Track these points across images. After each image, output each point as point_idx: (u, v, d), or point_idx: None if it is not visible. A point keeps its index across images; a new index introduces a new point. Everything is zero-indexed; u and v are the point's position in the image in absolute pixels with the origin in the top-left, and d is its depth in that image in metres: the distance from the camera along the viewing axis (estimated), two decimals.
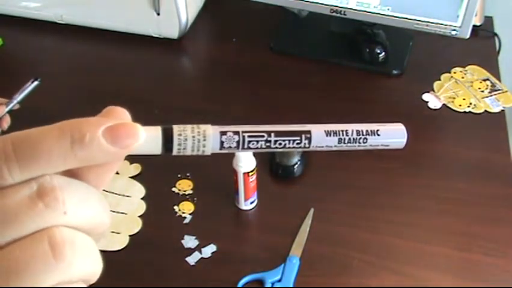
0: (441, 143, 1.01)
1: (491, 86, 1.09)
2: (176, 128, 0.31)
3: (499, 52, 1.20)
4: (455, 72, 1.12)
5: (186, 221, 0.88)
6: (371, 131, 0.31)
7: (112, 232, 0.86)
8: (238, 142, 0.31)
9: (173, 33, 1.18)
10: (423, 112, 1.05)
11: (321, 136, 0.30)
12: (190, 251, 0.84)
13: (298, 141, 0.30)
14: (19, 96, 0.75)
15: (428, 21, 1.05)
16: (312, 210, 0.89)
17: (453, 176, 0.94)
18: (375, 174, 0.95)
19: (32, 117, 1.05)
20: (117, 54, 1.20)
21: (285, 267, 0.81)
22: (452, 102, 1.06)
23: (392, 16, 1.07)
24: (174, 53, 1.20)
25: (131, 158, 0.96)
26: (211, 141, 0.32)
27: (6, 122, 0.75)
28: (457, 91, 1.09)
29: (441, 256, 0.83)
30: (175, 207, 0.89)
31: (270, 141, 0.30)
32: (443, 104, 1.06)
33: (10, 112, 1.06)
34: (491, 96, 1.07)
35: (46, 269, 0.26)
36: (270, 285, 0.80)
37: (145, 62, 1.18)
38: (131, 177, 0.93)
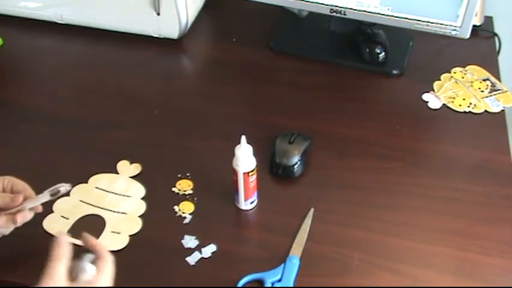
0: (441, 143, 1.01)
1: (491, 86, 1.09)
2: None
3: (499, 52, 1.20)
4: (455, 72, 1.12)
5: (186, 221, 0.88)
6: None
7: (112, 232, 0.86)
8: None
9: (173, 33, 1.18)
10: (423, 112, 1.05)
11: None
12: (190, 251, 0.84)
13: None
14: (44, 199, 0.76)
15: (428, 21, 1.05)
16: (312, 210, 0.89)
17: (453, 176, 0.94)
18: (375, 174, 0.95)
19: (32, 116, 1.06)
20: (117, 54, 1.20)
21: (285, 267, 0.81)
22: (452, 102, 1.06)
23: (392, 16, 1.07)
24: (174, 53, 1.20)
25: (131, 158, 0.96)
26: None
27: (22, 218, 0.76)
28: (457, 91, 1.09)
29: (442, 256, 0.83)
30: (175, 207, 0.89)
31: None
32: (443, 104, 1.06)
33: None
34: (491, 96, 1.07)
35: None
36: (270, 285, 0.80)
37: (145, 62, 1.18)
38: (131, 177, 0.93)
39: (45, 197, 0.76)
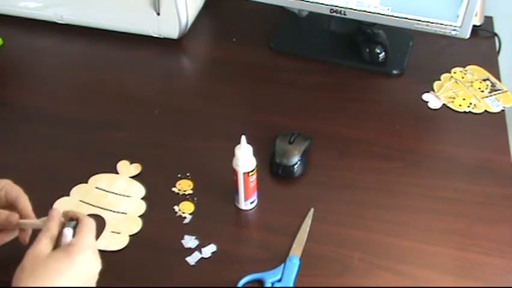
0: (441, 143, 1.01)
1: (491, 86, 1.09)
2: None
3: (499, 52, 1.20)
4: (455, 72, 1.12)
5: (186, 221, 0.88)
6: None
7: (112, 232, 0.86)
8: None
9: (173, 33, 1.18)
10: (423, 112, 1.05)
11: None
12: (190, 251, 0.84)
13: None
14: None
15: (428, 21, 1.05)
16: (312, 210, 0.89)
17: (453, 176, 0.94)
18: (375, 174, 0.95)
19: (32, 116, 1.06)
20: (117, 54, 1.20)
21: (285, 267, 0.81)
22: (452, 102, 1.06)
23: (392, 16, 1.07)
24: (174, 53, 1.20)
25: (131, 158, 0.96)
26: None
27: (28, 236, 0.78)
28: (457, 91, 1.09)
29: (442, 256, 0.83)
30: (175, 207, 0.89)
31: None
32: (443, 104, 1.06)
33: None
34: (491, 96, 1.07)
35: None
36: (270, 285, 0.80)
37: (145, 62, 1.18)
38: (131, 177, 0.93)
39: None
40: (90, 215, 0.87)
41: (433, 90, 1.09)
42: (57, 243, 0.69)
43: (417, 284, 0.80)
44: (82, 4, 1.19)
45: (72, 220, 0.71)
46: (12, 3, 1.23)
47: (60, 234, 0.70)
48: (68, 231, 0.69)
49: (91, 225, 0.71)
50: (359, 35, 1.15)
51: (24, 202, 0.76)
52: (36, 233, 0.76)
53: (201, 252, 0.84)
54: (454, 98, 1.07)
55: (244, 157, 0.83)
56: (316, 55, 1.17)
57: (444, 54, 1.17)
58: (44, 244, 0.67)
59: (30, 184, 0.79)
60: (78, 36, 1.22)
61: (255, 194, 0.89)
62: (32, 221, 0.76)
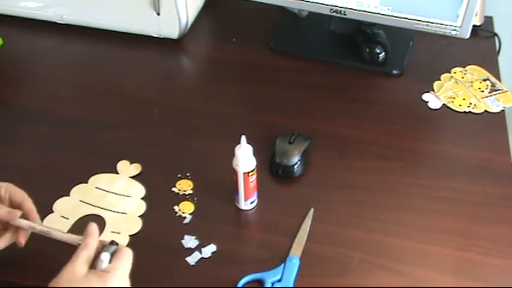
0: (441, 143, 1.01)
1: (491, 86, 1.09)
2: None
3: (499, 52, 1.20)
4: (455, 72, 1.12)
5: (186, 221, 0.88)
6: None
7: (112, 232, 0.86)
8: None
9: (173, 33, 1.18)
10: (423, 112, 1.05)
11: None
12: (190, 251, 0.84)
13: None
14: (47, 230, 0.76)
15: (428, 21, 1.05)
16: (312, 210, 0.89)
17: (453, 176, 0.94)
18: (375, 174, 0.95)
19: (32, 116, 1.06)
20: (117, 54, 1.20)
21: (285, 267, 0.81)
22: (452, 102, 1.06)
23: (392, 16, 1.07)
24: (174, 53, 1.20)
25: (131, 158, 0.96)
26: None
27: (26, 238, 0.77)
28: (457, 91, 1.09)
29: (442, 256, 0.84)
30: (175, 207, 0.89)
31: None
32: (443, 104, 1.06)
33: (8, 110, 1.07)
34: (491, 96, 1.07)
35: None
36: (270, 285, 0.80)
37: (145, 62, 1.18)
38: (131, 177, 0.93)
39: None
40: (90, 215, 0.88)
41: (433, 90, 1.09)
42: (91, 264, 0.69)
43: (417, 284, 0.80)
44: (82, 4, 1.19)
45: (112, 244, 0.70)
46: (12, 3, 1.23)
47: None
48: (105, 257, 0.68)
49: (129, 254, 0.70)
50: (359, 35, 1.15)
51: (29, 205, 0.76)
52: (36, 236, 0.76)
53: (201, 252, 0.84)
54: (454, 98, 1.07)
55: (244, 157, 0.83)
56: (316, 55, 1.17)
57: (444, 54, 1.17)
58: (82, 263, 0.66)
59: (30, 184, 0.79)
60: (78, 36, 1.22)
61: (255, 194, 0.89)
62: (64, 232, 0.75)
